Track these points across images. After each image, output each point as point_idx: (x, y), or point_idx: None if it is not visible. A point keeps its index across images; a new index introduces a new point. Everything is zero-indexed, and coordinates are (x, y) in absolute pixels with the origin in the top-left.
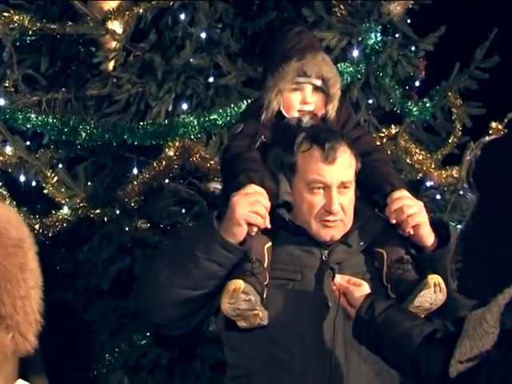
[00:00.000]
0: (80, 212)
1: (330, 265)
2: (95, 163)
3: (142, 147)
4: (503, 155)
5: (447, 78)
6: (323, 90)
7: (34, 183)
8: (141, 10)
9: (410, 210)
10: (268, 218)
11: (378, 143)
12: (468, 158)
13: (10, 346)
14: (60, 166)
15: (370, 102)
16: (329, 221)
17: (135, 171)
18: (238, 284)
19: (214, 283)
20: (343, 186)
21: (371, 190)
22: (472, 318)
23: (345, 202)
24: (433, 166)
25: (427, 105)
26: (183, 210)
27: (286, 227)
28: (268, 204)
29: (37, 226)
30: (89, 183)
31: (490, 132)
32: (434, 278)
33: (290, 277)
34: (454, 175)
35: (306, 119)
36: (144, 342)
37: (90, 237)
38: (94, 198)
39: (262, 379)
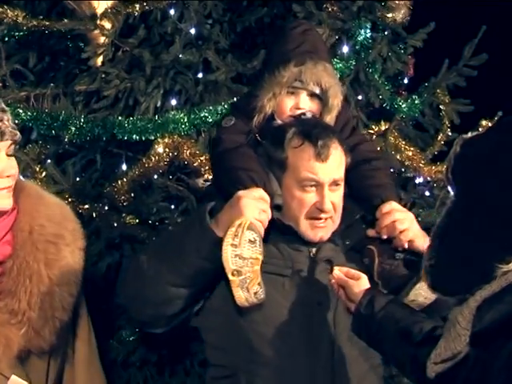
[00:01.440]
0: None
1: (319, 262)
2: (84, 159)
3: (130, 143)
4: (480, 153)
5: (436, 75)
6: (320, 98)
7: (22, 178)
8: (136, 11)
9: (402, 226)
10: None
11: None
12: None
13: (19, 341)
14: (48, 161)
15: (360, 98)
16: (319, 219)
17: (124, 167)
18: (244, 220)
19: (204, 279)
20: (335, 183)
21: (361, 202)
22: (449, 319)
23: (336, 199)
24: (422, 162)
25: (416, 101)
26: (172, 206)
27: (274, 226)
28: (270, 213)
29: None
30: (77, 179)
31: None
32: None
33: (281, 272)
34: (444, 171)
35: (309, 115)
36: (133, 338)
37: None
38: (83, 193)
39: (248, 378)
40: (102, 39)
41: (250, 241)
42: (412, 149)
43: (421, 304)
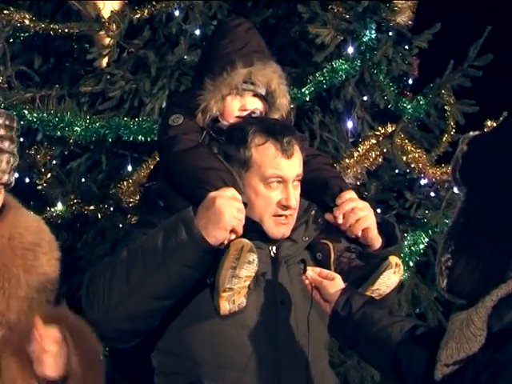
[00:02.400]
0: (74, 208)
1: (281, 261)
2: (89, 160)
3: (136, 144)
4: (489, 149)
5: (441, 76)
6: (265, 98)
7: (27, 180)
8: (144, 16)
9: (361, 213)
10: None
11: (374, 141)
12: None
13: None
14: (54, 162)
15: (365, 99)
16: (284, 216)
17: (129, 168)
18: (245, 242)
19: (183, 290)
20: (297, 178)
21: (319, 191)
22: (457, 319)
23: (297, 196)
24: (428, 164)
25: (421, 102)
26: None
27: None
28: (244, 211)
29: None
30: (83, 180)
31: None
32: (394, 259)
33: None
34: (449, 172)
35: (257, 114)
36: None
37: (84, 233)
38: (88, 194)
39: (213, 383)
40: (107, 40)
41: (249, 261)
42: (418, 150)
43: (382, 293)
